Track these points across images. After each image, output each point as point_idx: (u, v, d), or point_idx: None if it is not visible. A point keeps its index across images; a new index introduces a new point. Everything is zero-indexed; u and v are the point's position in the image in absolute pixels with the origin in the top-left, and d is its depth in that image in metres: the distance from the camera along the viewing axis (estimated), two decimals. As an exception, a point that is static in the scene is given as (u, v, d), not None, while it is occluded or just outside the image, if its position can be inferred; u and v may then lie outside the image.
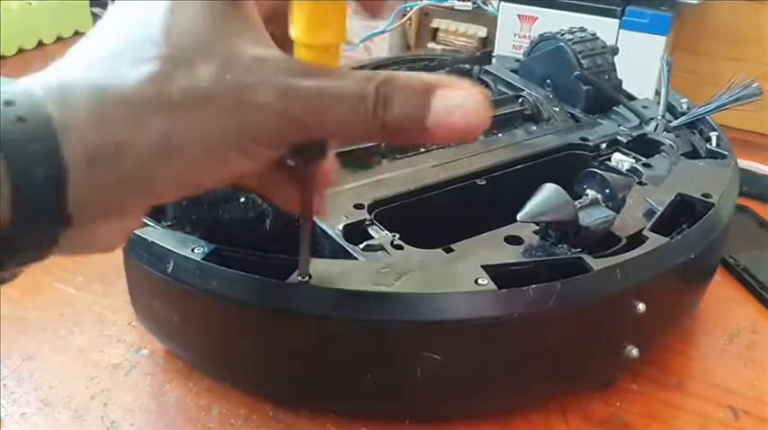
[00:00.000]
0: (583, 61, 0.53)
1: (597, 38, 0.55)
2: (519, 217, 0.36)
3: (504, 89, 0.56)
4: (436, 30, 0.80)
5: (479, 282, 0.34)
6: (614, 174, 0.41)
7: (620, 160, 0.46)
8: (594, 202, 0.39)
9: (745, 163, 0.63)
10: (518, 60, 0.60)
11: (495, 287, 0.34)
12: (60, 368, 0.40)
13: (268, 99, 0.26)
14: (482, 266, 0.35)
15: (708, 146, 0.49)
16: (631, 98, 0.56)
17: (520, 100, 0.53)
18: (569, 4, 0.70)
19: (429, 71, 0.59)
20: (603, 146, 0.49)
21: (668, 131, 0.50)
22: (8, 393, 0.38)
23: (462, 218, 0.39)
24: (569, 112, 0.53)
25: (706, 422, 0.39)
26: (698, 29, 0.73)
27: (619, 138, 0.49)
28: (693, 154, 0.49)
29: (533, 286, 0.34)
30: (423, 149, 0.47)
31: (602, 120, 0.53)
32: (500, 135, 0.50)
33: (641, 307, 0.36)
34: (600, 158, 0.48)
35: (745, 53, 0.72)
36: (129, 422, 0.37)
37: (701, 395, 0.41)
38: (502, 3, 0.73)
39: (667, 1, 0.69)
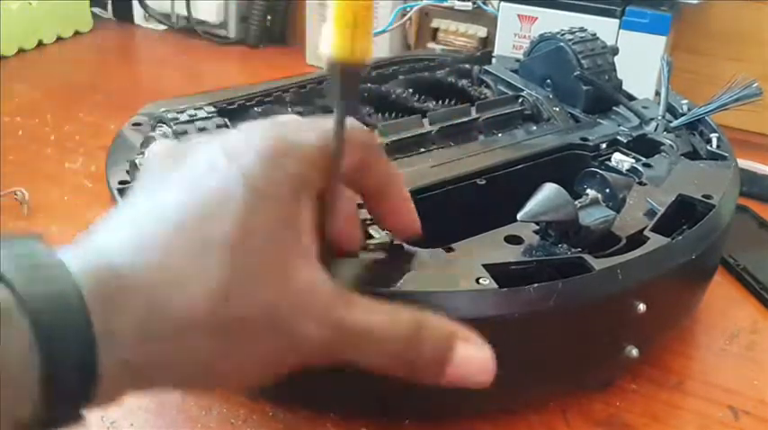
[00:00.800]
0: (583, 61, 0.53)
1: (597, 38, 0.55)
2: (519, 216, 0.36)
3: (504, 89, 0.56)
4: (436, 30, 0.80)
5: (481, 281, 0.34)
6: (614, 174, 0.41)
7: (621, 160, 0.46)
8: (595, 202, 0.39)
9: (745, 163, 0.63)
10: (518, 60, 0.60)
11: (496, 286, 0.34)
12: (60, 368, 0.40)
13: (316, 333, 0.26)
14: (483, 265, 0.35)
15: (708, 147, 0.49)
16: (632, 98, 0.56)
17: (520, 100, 0.53)
18: (569, 4, 0.70)
19: (430, 71, 0.59)
20: (603, 146, 0.48)
21: (668, 132, 0.50)
22: (8, 393, 0.38)
23: (462, 218, 0.39)
24: (569, 112, 0.53)
25: (706, 422, 0.39)
26: (698, 29, 0.73)
27: (619, 138, 0.49)
28: (693, 154, 0.48)
29: (535, 285, 0.34)
30: (423, 149, 0.47)
31: (602, 121, 0.52)
32: (500, 135, 0.50)
33: (642, 307, 0.36)
34: (600, 158, 0.48)
35: (745, 53, 0.72)
36: (129, 422, 0.37)
37: (702, 395, 0.41)
38: (502, 3, 0.73)
39: (667, 1, 0.69)
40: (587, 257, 0.36)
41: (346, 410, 0.37)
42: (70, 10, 0.89)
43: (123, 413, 0.38)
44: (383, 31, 0.79)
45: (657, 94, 0.55)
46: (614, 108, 0.54)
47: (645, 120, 0.52)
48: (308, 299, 0.26)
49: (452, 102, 0.55)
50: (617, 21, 0.69)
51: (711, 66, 0.73)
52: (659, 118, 0.51)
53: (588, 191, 0.40)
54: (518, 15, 0.72)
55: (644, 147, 0.48)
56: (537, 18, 0.72)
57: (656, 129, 0.50)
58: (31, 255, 0.23)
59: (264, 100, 0.53)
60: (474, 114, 0.51)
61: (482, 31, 0.77)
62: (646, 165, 0.45)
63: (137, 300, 0.24)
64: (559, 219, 0.36)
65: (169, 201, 0.26)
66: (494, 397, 0.33)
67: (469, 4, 0.77)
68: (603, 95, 0.53)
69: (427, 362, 0.28)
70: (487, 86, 0.58)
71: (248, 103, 0.52)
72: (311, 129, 0.29)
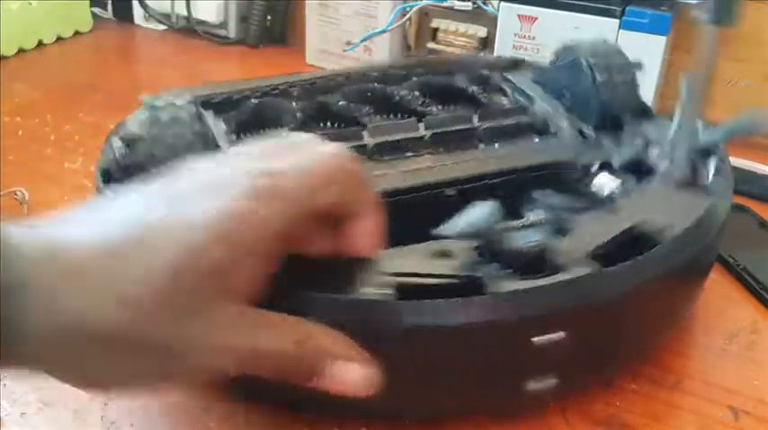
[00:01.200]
0: (598, 75, 0.50)
1: (620, 52, 0.53)
2: (434, 231, 0.35)
3: (519, 98, 0.54)
4: (436, 30, 0.80)
5: (376, 290, 0.34)
6: (565, 198, 0.41)
7: (603, 184, 0.44)
8: (535, 224, 0.38)
9: (745, 163, 0.63)
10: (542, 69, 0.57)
11: (391, 297, 0.34)
12: (60, 368, 0.40)
13: (207, 362, 0.29)
14: (391, 274, 0.34)
15: (710, 175, 0.45)
16: (651, 115, 0.53)
17: (528, 111, 0.51)
18: (569, 4, 0.70)
19: (447, 75, 0.57)
20: (595, 166, 0.46)
21: (671, 157, 0.46)
22: (8, 393, 0.38)
23: (424, 226, 0.37)
24: (580, 128, 0.50)
25: (706, 422, 0.39)
26: (698, 29, 0.73)
27: (613, 160, 0.46)
28: (692, 183, 0.44)
29: (424, 301, 0.33)
30: (411, 154, 0.46)
31: (610, 139, 0.49)
32: (497, 146, 0.48)
33: (555, 337, 0.34)
34: (584, 179, 0.45)
35: (745, 53, 0.72)
36: (129, 422, 0.37)
37: (701, 395, 0.41)
38: (502, 3, 0.73)
39: (667, 1, 0.69)
40: (487, 279, 0.34)
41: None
42: (70, 10, 0.89)
43: (123, 413, 0.38)
44: (383, 32, 0.79)
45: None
46: (628, 127, 0.49)
47: (651, 142, 0.48)
48: (222, 340, 0.29)
49: (458, 107, 0.54)
50: (617, 21, 0.69)
51: (711, 66, 0.73)
52: (666, 142, 0.47)
53: (530, 212, 0.39)
54: (518, 15, 0.72)
55: (638, 171, 0.46)
56: (537, 18, 0.72)
57: (657, 155, 0.46)
58: None
59: (270, 92, 0.53)
60: (476, 122, 0.50)
61: (482, 31, 0.77)
62: (626, 191, 0.43)
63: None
64: (479, 238, 0.35)
65: (124, 213, 0.29)
66: (378, 405, 0.33)
67: (469, 4, 0.76)
68: (616, 113, 0.50)
69: (303, 373, 0.31)
70: (504, 94, 0.56)
71: (237, 97, 0.52)
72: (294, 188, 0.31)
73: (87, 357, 0.27)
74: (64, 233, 0.28)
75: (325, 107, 0.52)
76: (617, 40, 0.69)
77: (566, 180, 0.46)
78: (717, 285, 0.50)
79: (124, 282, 0.27)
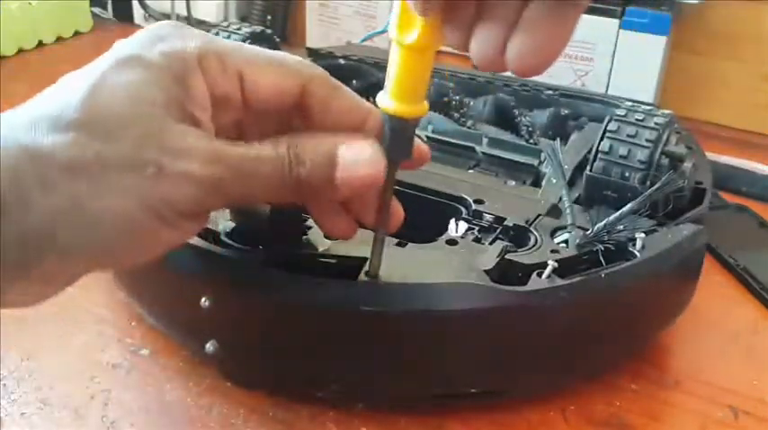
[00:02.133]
0: (602, 142, 0.44)
1: (648, 126, 0.44)
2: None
3: (542, 139, 0.54)
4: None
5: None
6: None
7: (456, 227, 0.42)
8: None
9: (745, 163, 0.63)
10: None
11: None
12: (60, 368, 0.40)
13: (191, 167, 0.27)
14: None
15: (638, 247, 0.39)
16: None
17: (543, 156, 0.50)
18: (569, 4, 0.70)
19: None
20: (488, 217, 0.42)
21: (581, 244, 0.39)
22: (8, 393, 0.38)
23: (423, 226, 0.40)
24: (565, 193, 0.44)
25: (706, 422, 0.39)
26: (698, 29, 0.73)
27: (507, 222, 0.42)
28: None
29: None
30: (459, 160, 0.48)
31: (586, 213, 0.43)
32: (470, 171, 0.49)
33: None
34: (466, 218, 0.43)
35: (745, 53, 0.72)
36: (129, 422, 0.37)
37: (701, 395, 0.41)
38: (502, 3, 0.73)
39: (667, 1, 0.69)
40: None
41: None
42: (70, 10, 0.89)
43: (123, 413, 0.38)
44: (383, 31, 0.79)
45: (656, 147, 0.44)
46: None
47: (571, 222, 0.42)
48: (179, 138, 0.28)
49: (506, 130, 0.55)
50: (617, 21, 0.69)
51: (711, 66, 0.73)
52: (573, 225, 0.41)
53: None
54: (518, 15, 0.72)
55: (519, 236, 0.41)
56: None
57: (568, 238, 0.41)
58: None
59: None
60: (483, 146, 0.51)
61: (482, 31, 0.77)
62: (452, 242, 0.40)
63: (7, 147, 0.26)
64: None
65: (53, 88, 0.29)
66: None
67: (469, 4, 0.76)
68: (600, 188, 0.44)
69: (311, 176, 0.29)
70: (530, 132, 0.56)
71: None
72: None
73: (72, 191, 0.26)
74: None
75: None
76: (617, 39, 0.69)
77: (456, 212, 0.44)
78: (717, 285, 0.50)
79: (59, 111, 0.27)
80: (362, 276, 0.35)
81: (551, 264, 0.36)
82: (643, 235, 0.39)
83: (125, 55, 0.29)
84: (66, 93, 0.28)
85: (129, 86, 0.28)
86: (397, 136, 0.31)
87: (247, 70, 0.30)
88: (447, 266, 0.36)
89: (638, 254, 0.38)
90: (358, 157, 0.30)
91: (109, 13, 0.97)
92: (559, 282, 0.36)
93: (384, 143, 0.31)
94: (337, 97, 0.32)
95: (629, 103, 0.47)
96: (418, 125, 0.32)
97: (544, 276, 0.36)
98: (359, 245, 0.36)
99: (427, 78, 0.30)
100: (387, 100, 0.31)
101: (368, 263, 0.35)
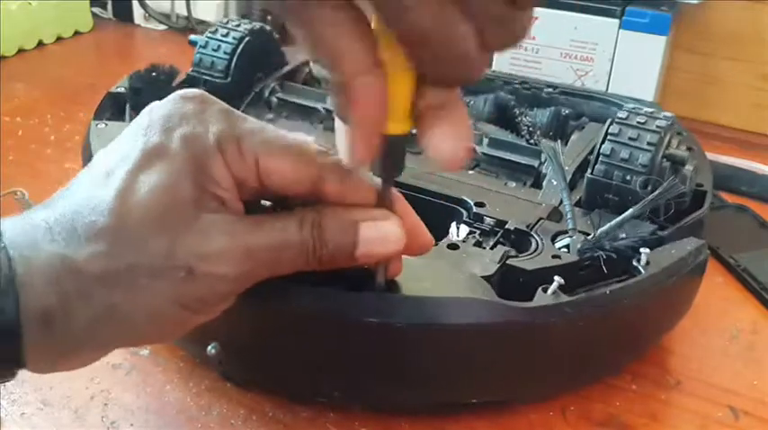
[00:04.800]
0: (604, 145, 0.44)
1: (650, 129, 0.43)
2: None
3: (543, 139, 0.53)
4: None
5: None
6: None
7: (458, 231, 0.42)
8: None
9: (744, 163, 0.63)
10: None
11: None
12: (60, 368, 0.40)
13: (221, 269, 0.29)
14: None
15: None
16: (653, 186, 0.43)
17: (543, 158, 0.49)
18: (569, 4, 0.70)
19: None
20: (489, 220, 0.42)
21: (583, 250, 0.39)
22: (8, 393, 0.38)
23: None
24: (566, 196, 0.44)
25: (706, 422, 0.39)
26: (698, 29, 0.73)
27: (508, 226, 0.42)
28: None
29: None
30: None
31: (586, 216, 0.43)
32: (470, 172, 0.49)
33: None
34: (467, 220, 0.43)
35: (745, 53, 0.72)
36: (129, 422, 0.37)
37: (701, 395, 0.41)
38: (502, 3, 0.73)
39: (667, 1, 0.69)
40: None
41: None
42: (70, 10, 0.89)
43: (123, 413, 0.38)
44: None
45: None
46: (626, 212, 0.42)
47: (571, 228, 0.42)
48: (217, 245, 0.29)
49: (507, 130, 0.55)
50: (617, 20, 0.69)
51: (711, 66, 0.73)
52: (573, 229, 0.41)
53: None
54: (518, 15, 0.72)
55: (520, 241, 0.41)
56: (537, 18, 0.72)
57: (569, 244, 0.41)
58: None
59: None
60: (484, 146, 0.51)
61: (482, 31, 0.77)
62: (453, 246, 0.40)
63: (48, 257, 0.27)
64: None
65: (83, 178, 0.30)
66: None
67: (469, 3, 0.76)
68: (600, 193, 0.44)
69: (333, 255, 0.31)
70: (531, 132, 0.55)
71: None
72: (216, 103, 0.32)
73: (98, 299, 0.28)
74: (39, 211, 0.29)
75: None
76: (617, 39, 0.69)
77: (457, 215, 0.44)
78: (717, 285, 0.50)
79: (92, 216, 0.28)
80: (368, 287, 0.35)
81: (557, 280, 0.36)
82: (648, 250, 0.39)
83: (152, 145, 0.29)
84: (97, 193, 0.29)
85: (156, 188, 0.28)
86: (388, 154, 0.30)
87: (263, 157, 0.31)
88: (450, 274, 0.36)
89: (642, 270, 0.38)
90: (379, 236, 0.31)
91: (109, 13, 0.96)
92: (564, 298, 0.36)
93: (377, 163, 0.31)
94: (351, 188, 0.32)
95: (632, 104, 0.47)
96: (407, 142, 0.31)
97: (549, 292, 0.36)
98: None
99: (409, 97, 0.29)
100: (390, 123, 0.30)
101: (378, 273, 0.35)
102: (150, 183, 0.28)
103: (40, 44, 0.86)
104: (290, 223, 0.30)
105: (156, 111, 0.31)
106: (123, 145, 0.30)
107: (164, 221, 0.28)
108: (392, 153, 0.30)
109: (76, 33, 0.90)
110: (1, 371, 0.29)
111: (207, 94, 0.32)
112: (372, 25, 0.26)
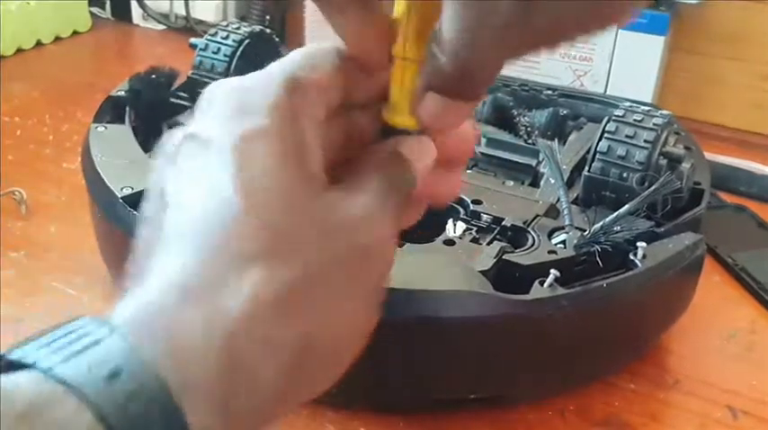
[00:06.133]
0: (601, 143, 0.44)
1: (647, 127, 0.44)
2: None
3: (540, 140, 0.53)
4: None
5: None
6: None
7: (455, 227, 0.42)
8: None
9: (743, 163, 0.63)
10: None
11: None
12: (59, 368, 0.40)
13: (379, 232, 0.24)
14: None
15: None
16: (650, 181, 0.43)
17: (541, 157, 0.49)
18: (568, 3, 0.70)
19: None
20: (486, 217, 0.42)
21: (579, 245, 0.39)
22: (6, 393, 0.38)
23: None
24: (563, 194, 0.44)
25: (705, 421, 0.39)
26: (697, 29, 0.73)
27: (505, 222, 0.42)
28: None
29: None
30: None
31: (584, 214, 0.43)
32: (468, 171, 0.49)
33: None
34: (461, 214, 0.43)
35: (744, 53, 0.72)
36: (127, 422, 0.37)
37: (700, 395, 0.41)
38: (501, 3, 0.73)
39: (666, 1, 0.69)
40: None
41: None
42: (69, 10, 0.89)
43: (122, 413, 0.37)
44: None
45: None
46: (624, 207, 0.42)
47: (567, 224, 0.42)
48: (354, 220, 0.24)
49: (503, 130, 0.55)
50: (616, 21, 0.69)
51: (710, 66, 0.73)
52: (570, 225, 0.41)
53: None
54: (517, 15, 0.72)
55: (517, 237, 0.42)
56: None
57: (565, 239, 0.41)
58: (101, 362, 0.19)
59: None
60: (482, 146, 0.51)
61: (481, 31, 0.77)
62: (449, 242, 0.40)
63: (202, 334, 0.20)
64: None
65: (174, 223, 0.23)
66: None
67: (468, 3, 0.76)
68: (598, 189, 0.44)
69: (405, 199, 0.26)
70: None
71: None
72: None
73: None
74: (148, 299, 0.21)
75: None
76: (616, 39, 0.69)
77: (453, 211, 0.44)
78: (715, 285, 0.50)
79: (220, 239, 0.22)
80: None
81: (553, 273, 0.36)
82: (644, 244, 0.39)
83: (242, 132, 0.23)
84: (208, 200, 0.22)
85: (273, 165, 0.23)
86: None
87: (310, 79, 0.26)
88: (446, 268, 0.36)
89: (639, 263, 0.38)
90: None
91: (107, 13, 0.96)
92: (561, 290, 0.36)
93: None
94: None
95: (629, 104, 0.47)
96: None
97: (546, 285, 0.36)
98: None
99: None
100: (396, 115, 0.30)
101: None
102: (264, 170, 0.23)
103: (39, 44, 0.86)
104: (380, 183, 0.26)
105: (211, 114, 0.25)
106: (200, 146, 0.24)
107: (305, 215, 0.23)
108: None
109: (75, 33, 0.90)
110: None
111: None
112: (395, 11, 0.26)
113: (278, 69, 0.26)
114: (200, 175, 0.23)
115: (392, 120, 0.29)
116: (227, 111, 0.24)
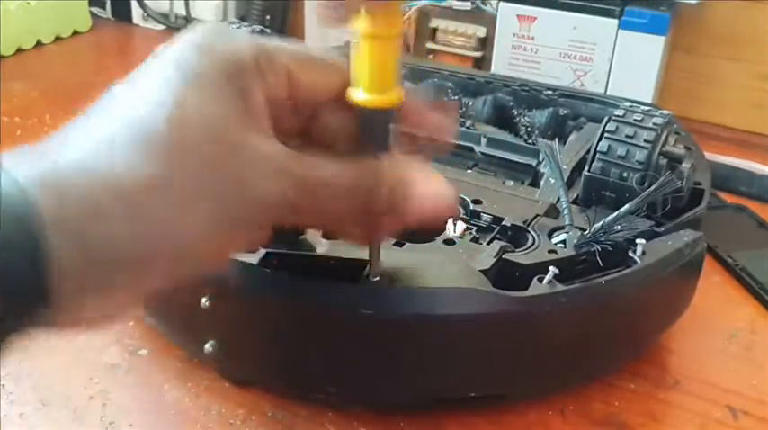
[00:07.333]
0: (601, 143, 0.44)
1: (647, 126, 0.44)
2: None
3: (540, 140, 0.53)
4: (435, 30, 0.80)
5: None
6: None
7: (455, 227, 0.42)
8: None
9: (743, 163, 0.63)
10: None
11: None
12: (59, 368, 0.40)
13: (275, 188, 0.27)
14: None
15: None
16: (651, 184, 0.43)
17: (541, 157, 0.49)
18: (568, 4, 0.70)
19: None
20: (486, 217, 0.43)
21: (578, 245, 0.39)
22: (6, 393, 0.38)
23: None
24: (563, 193, 0.44)
25: (705, 422, 0.39)
26: (697, 29, 0.73)
27: (505, 222, 0.42)
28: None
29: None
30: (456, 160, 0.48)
31: (584, 214, 0.43)
32: (468, 171, 0.50)
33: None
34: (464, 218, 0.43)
35: (744, 53, 0.72)
36: (127, 422, 0.37)
37: (700, 395, 0.41)
38: (501, 3, 0.73)
39: (666, 1, 0.69)
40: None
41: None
42: (69, 10, 0.89)
43: (122, 413, 0.38)
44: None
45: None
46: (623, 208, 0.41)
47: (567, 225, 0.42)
48: (262, 161, 0.27)
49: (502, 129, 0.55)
50: (616, 21, 0.69)
51: (710, 66, 0.73)
52: (570, 225, 0.41)
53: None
54: (517, 15, 0.72)
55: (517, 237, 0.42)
56: (536, 18, 0.72)
57: (566, 238, 0.41)
58: None
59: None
60: (482, 145, 0.51)
61: (481, 31, 0.77)
62: (449, 242, 0.40)
63: (85, 183, 0.25)
64: None
65: (110, 105, 0.30)
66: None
67: (468, 3, 0.76)
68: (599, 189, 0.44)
69: (383, 209, 0.30)
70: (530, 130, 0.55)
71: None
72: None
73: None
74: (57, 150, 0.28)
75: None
76: (616, 39, 0.69)
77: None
78: (716, 285, 0.50)
79: (144, 134, 0.26)
80: (363, 279, 0.35)
81: (552, 270, 0.36)
82: (644, 241, 0.39)
83: (189, 72, 0.27)
84: (146, 99, 0.27)
85: (212, 97, 0.27)
86: (372, 128, 0.30)
87: (295, 70, 0.30)
88: (446, 268, 0.36)
89: (638, 260, 0.38)
90: (428, 194, 0.31)
91: (107, 13, 0.96)
92: (560, 287, 0.36)
93: (362, 138, 0.30)
94: None
95: (629, 104, 0.47)
96: (393, 115, 0.30)
97: (545, 282, 0.36)
98: (357, 246, 0.36)
99: (396, 66, 0.30)
100: (358, 93, 0.30)
101: (368, 266, 0.35)
102: (196, 107, 0.27)
103: (39, 44, 0.86)
104: (346, 164, 0.29)
105: (180, 43, 0.29)
106: (155, 75, 0.28)
107: (221, 138, 0.27)
108: (377, 127, 0.30)
109: (75, 33, 0.90)
110: (22, 310, 0.24)
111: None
112: None
113: (261, 41, 0.30)
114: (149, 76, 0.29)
115: (370, 102, 0.29)
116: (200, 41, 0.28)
